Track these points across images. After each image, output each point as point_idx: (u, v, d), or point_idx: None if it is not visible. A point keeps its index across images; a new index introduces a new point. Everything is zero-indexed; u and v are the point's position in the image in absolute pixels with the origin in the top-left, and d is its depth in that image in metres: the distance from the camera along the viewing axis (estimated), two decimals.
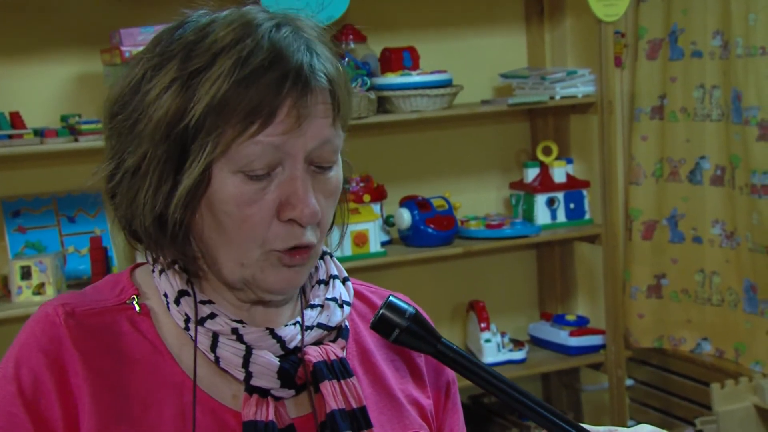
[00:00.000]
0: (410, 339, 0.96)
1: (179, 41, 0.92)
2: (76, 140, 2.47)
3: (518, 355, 2.99)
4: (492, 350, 2.96)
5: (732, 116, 2.97)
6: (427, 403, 1.07)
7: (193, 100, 0.89)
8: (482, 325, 2.97)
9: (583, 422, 3.11)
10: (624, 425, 3.04)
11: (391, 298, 0.96)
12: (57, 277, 2.47)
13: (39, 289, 2.45)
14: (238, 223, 0.91)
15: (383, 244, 2.84)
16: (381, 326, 0.96)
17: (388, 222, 2.89)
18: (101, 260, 2.51)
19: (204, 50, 0.90)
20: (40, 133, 2.46)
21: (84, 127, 2.47)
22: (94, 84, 2.65)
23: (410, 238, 2.86)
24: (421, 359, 1.08)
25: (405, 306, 0.96)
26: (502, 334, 3.02)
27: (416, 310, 0.97)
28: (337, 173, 0.96)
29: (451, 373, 1.11)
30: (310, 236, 0.93)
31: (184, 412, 0.94)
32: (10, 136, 2.41)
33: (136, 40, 2.48)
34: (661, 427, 3.48)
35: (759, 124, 2.88)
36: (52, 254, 2.49)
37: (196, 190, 0.91)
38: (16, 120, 2.46)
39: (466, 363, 0.96)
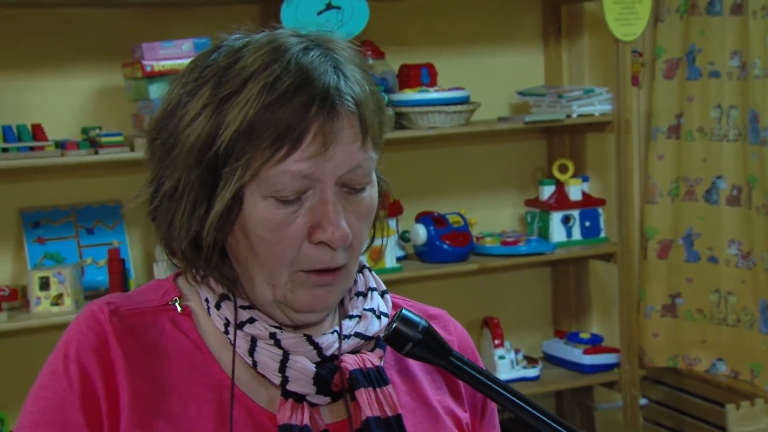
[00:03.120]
0: (422, 351, 0.96)
1: (212, 67, 0.93)
2: (96, 152, 2.49)
3: (532, 372, 2.99)
4: (506, 367, 2.96)
5: (749, 136, 2.97)
6: (464, 416, 1.07)
7: (223, 125, 0.90)
8: (496, 341, 2.97)
9: None
10: None
11: (404, 311, 0.97)
12: (75, 288, 2.49)
13: (57, 300, 2.47)
14: (270, 246, 0.92)
15: (399, 259, 2.85)
16: (394, 339, 0.96)
17: (403, 237, 2.90)
18: (119, 272, 2.53)
19: (234, 75, 0.91)
20: (61, 146, 2.48)
21: (104, 139, 2.49)
22: (115, 97, 2.68)
23: (426, 253, 2.87)
24: None
25: (417, 319, 0.96)
26: (516, 351, 3.02)
27: (428, 323, 0.97)
28: (370, 194, 0.96)
29: None
30: (340, 258, 0.94)
31: (222, 410, 0.95)
32: (31, 148, 2.44)
33: (158, 54, 2.51)
34: None
35: None
36: (70, 265, 2.51)
37: (228, 214, 0.92)
38: (37, 132, 2.49)
39: (477, 375, 0.97)
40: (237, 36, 0.97)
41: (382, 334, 0.99)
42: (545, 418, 0.96)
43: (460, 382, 1.08)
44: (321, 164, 0.91)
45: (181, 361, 0.97)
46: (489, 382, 0.96)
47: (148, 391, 0.94)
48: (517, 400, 0.96)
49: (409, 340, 0.95)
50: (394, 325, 0.95)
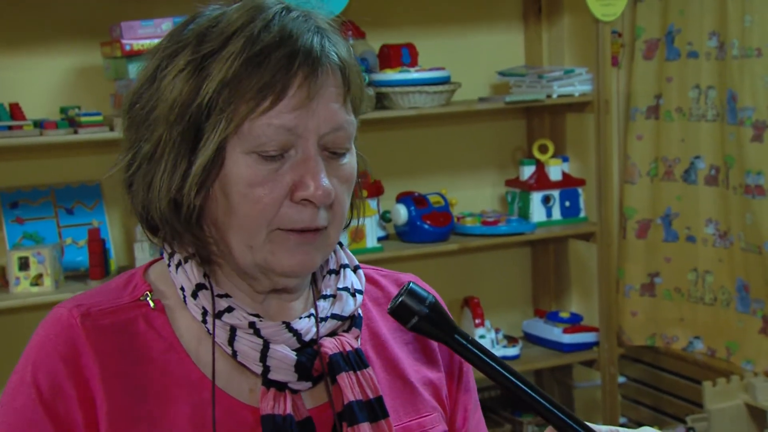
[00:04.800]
0: (427, 326, 0.95)
1: (193, 30, 0.94)
2: (75, 132, 2.48)
3: (512, 351, 3.01)
4: (486, 346, 2.97)
5: (727, 117, 2.99)
6: (442, 384, 1.07)
7: (207, 80, 0.90)
8: (477, 321, 2.99)
9: None
10: (616, 422, 3.07)
11: (411, 284, 0.96)
12: (55, 268, 2.48)
13: (37, 280, 2.46)
14: (251, 204, 0.91)
15: (380, 239, 2.86)
16: (400, 312, 0.95)
17: (384, 218, 2.91)
18: (99, 252, 2.52)
19: (217, 35, 0.92)
20: (39, 125, 2.47)
21: (83, 119, 2.48)
22: (94, 76, 2.66)
23: (406, 233, 2.88)
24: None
25: (425, 294, 0.96)
26: (497, 331, 3.04)
27: (435, 298, 0.96)
28: (350, 161, 0.96)
29: None
30: (321, 219, 0.93)
31: (202, 410, 0.94)
32: (9, 127, 2.42)
33: (137, 33, 2.49)
34: (653, 424, 3.49)
35: (753, 125, 2.90)
36: (50, 245, 2.50)
37: (210, 169, 0.91)
38: (15, 111, 2.47)
39: (478, 354, 0.96)
40: (215, 7, 0.97)
41: (388, 307, 0.98)
42: (544, 401, 0.95)
43: (437, 350, 1.08)
44: (304, 119, 0.91)
45: (156, 362, 0.95)
46: (491, 362, 0.96)
47: (126, 396, 0.93)
48: (518, 382, 0.95)
49: (415, 314, 0.95)
50: (400, 299, 0.95)
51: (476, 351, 0.96)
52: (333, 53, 0.93)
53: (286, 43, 0.90)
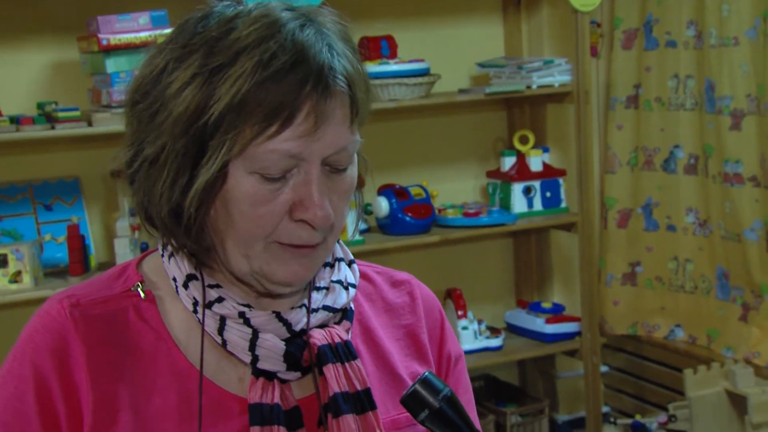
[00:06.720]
0: (438, 423, 0.90)
1: (202, 34, 0.92)
2: (52, 128, 2.46)
3: (495, 342, 3.02)
4: (469, 338, 2.98)
5: (705, 106, 3.00)
6: None
7: (214, 97, 0.89)
8: (459, 312, 2.99)
9: (558, 408, 3.13)
10: (598, 411, 3.08)
11: (427, 374, 0.92)
12: (34, 265, 2.46)
13: (16, 278, 2.44)
14: (250, 221, 0.92)
15: (361, 232, 2.85)
16: (410, 402, 0.91)
17: (366, 210, 2.91)
18: (78, 248, 2.50)
19: (227, 47, 0.90)
20: (16, 121, 2.44)
21: (61, 114, 2.46)
22: (71, 71, 2.64)
23: (388, 226, 2.87)
24: (424, 335, 1.09)
25: (441, 385, 0.91)
26: (479, 322, 3.04)
27: (452, 392, 0.91)
28: (351, 172, 0.96)
29: (456, 349, 1.11)
30: (318, 237, 0.94)
31: (188, 400, 0.95)
32: None
33: (114, 27, 2.47)
34: (635, 412, 3.50)
35: (732, 114, 2.92)
36: (28, 242, 2.48)
37: (212, 186, 0.91)
38: None
39: None
40: (227, 3, 0.95)
41: (400, 396, 0.93)
42: None
43: (427, 346, 1.08)
44: (309, 144, 0.90)
45: (145, 352, 0.96)
46: None
47: (112, 387, 0.94)
48: None
49: (427, 407, 0.90)
50: (414, 387, 0.91)
51: None
52: (342, 77, 0.91)
53: (297, 68, 0.89)
